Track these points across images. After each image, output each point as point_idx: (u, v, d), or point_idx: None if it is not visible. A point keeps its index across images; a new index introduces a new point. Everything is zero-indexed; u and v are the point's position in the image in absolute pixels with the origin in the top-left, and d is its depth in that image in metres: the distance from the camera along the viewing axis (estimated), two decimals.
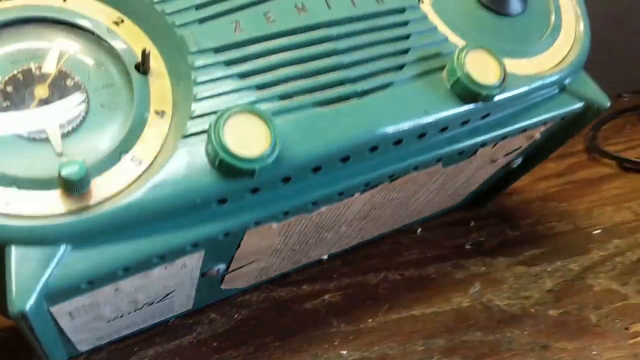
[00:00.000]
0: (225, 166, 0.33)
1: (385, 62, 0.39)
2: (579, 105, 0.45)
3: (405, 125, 0.38)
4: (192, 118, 0.34)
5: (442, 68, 0.40)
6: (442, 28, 0.43)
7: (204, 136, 0.34)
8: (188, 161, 0.33)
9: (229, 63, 0.36)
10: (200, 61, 0.36)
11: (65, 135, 0.33)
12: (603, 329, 0.43)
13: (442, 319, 0.47)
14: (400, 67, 0.40)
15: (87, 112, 0.34)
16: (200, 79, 0.35)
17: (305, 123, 0.36)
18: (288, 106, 0.36)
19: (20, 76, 0.34)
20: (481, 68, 0.39)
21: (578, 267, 0.51)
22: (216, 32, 0.36)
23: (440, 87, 0.40)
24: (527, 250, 0.53)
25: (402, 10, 0.41)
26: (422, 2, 0.43)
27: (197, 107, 0.34)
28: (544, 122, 0.46)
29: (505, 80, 0.40)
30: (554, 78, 0.44)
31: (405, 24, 0.41)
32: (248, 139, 0.33)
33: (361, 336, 0.46)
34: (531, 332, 0.44)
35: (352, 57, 0.38)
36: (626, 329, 0.43)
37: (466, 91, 0.39)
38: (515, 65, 0.43)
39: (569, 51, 0.46)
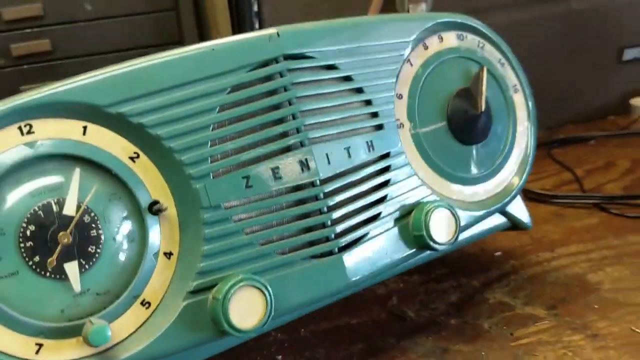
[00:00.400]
0: (226, 332, 0.38)
1: (364, 214, 0.44)
2: (509, 225, 0.54)
3: (373, 269, 0.44)
4: (199, 273, 0.39)
5: (410, 212, 0.46)
6: (417, 162, 0.48)
7: (207, 293, 0.38)
8: (192, 319, 0.38)
9: (238, 220, 0.40)
10: (210, 217, 0.39)
11: (82, 272, 0.37)
12: (492, 335, 0.50)
13: (363, 328, 0.53)
14: (377, 216, 0.45)
15: (102, 247, 0.38)
16: (209, 234, 0.39)
17: (295, 277, 0.41)
18: (283, 260, 0.41)
19: (41, 213, 0.36)
20: (441, 227, 0.45)
21: (478, 283, 0.59)
22: (228, 187, 0.40)
23: (405, 234, 0.46)
24: (438, 269, 0.61)
25: (387, 155, 0.46)
26: (402, 127, 0.48)
27: (205, 264, 0.39)
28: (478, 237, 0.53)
29: (457, 236, 0.46)
30: (497, 206, 0.52)
31: (387, 169, 0.46)
32: (248, 310, 0.38)
33: (295, 343, 0.52)
34: (435, 338, 0.51)
35: (337, 214, 0.43)
36: (511, 334, 0.49)
37: (425, 244, 0.46)
38: (470, 193, 0.51)
39: (511, 179, 0.53)
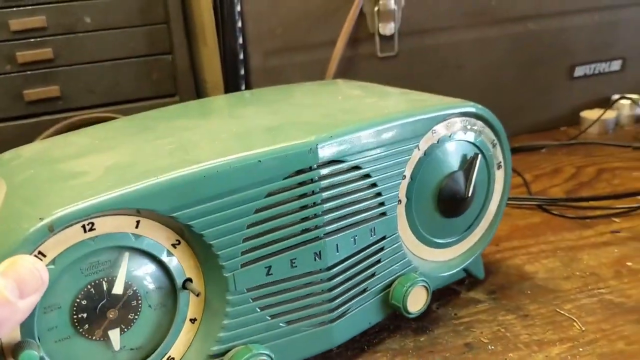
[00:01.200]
0: None
1: (355, 290, 0.49)
2: (464, 275, 0.60)
3: (355, 332, 0.51)
4: (217, 341, 0.44)
5: (391, 284, 0.52)
6: (405, 232, 0.53)
7: (223, 357, 0.44)
8: None
9: (255, 299, 0.44)
10: (233, 298, 0.43)
11: (121, 334, 0.41)
12: (439, 314, 0.56)
13: None
14: (364, 290, 0.50)
15: (140, 314, 0.42)
16: (230, 312, 0.44)
17: (295, 342, 0.47)
18: (288, 330, 0.46)
19: (92, 290, 0.40)
20: (416, 300, 0.52)
21: None
22: (251, 275, 0.44)
23: (384, 302, 0.52)
24: None
25: (384, 238, 0.50)
26: (400, 202, 0.52)
27: (224, 335, 0.44)
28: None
29: (427, 306, 0.53)
30: (463, 265, 0.58)
31: (381, 249, 0.50)
32: None
33: None
34: (389, 317, 0.54)
35: (335, 292, 0.48)
36: (455, 314, 0.55)
37: (400, 312, 0.52)
38: (442, 254, 0.57)
39: (475, 243, 0.59)
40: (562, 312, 0.56)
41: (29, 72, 0.83)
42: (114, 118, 0.83)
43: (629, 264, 0.63)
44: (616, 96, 1.05)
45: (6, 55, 0.82)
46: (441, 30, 0.94)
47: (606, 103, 1.05)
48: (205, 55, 0.88)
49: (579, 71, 1.04)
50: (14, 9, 0.81)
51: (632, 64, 1.07)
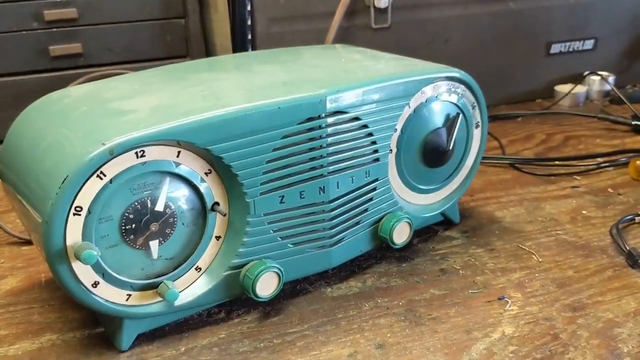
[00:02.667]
0: (249, 295, 0.53)
1: (351, 222, 0.58)
2: (441, 219, 0.69)
3: (348, 257, 0.60)
4: (238, 255, 0.53)
5: (381, 219, 0.61)
6: (394, 178, 0.62)
7: (241, 269, 0.53)
8: (228, 285, 0.53)
9: (270, 222, 0.53)
10: (252, 220, 0.52)
11: (159, 245, 0.50)
12: (419, 247, 0.64)
13: None
14: (358, 222, 0.59)
15: (175, 229, 0.50)
16: (249, 231, 0.52)
17: (299, 261, 0.56)
18: (295, 250, 0.55)
19: (139, 206, 0.48)
20: (401, 234, 0.61)
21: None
22: (268, 202, 0.53)
23: (374, 234, 0.61)
24: None
25: (376, 180, 0.59)
26: (391, 152, 0.61)
27: (243, 250, 0.53)
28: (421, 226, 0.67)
29: (410, 240, 0.62)
30: (442, 209, 0.67)
31: (374, 189, 0.59)
32: (267, 285, 0.53)
33: None
34: (378, 248, 0.63)
35: (335, 222, 0.57)
36: (433, 247, 0.62)
37: (387, 243, 0.61)
38: (424, 198, 0.66)
39: (454, 190, 0.68)
40: (523, 247, 0.66)
41: (54, 30, 0.91)
42: None
43: (583, 212, 0.73)
44: (587, 72, 1.14)
45: (34, 13, 0.89)
46: (431, 6, 1.02)
47: (578, 79, 1.15)
48: (216, 21, 0.96)
49: (555, 48, 1.13)
50: None
51: (603, 43, 1.16)
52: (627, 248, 0.62)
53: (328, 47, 0.77)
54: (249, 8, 0.91)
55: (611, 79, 1.14)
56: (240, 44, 0.92)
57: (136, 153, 0.47)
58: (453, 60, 1.05)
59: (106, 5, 0.91)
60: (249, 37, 0.92)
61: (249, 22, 0.91)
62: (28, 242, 0.70)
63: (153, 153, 0.48)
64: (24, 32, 0.89)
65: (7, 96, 0.89)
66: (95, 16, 0.91)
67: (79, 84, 0.88)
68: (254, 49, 0.93)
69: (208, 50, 1.00)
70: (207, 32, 0.99)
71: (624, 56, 1.19)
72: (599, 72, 1.14)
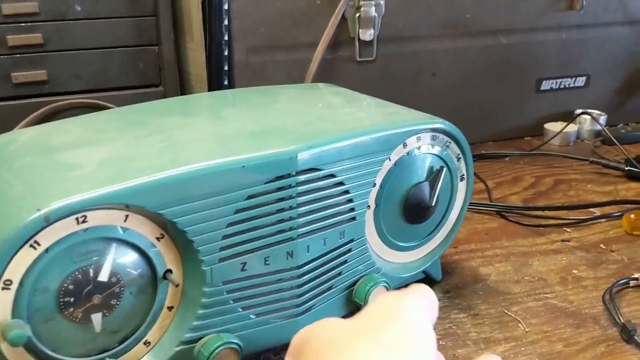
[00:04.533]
0: None
1: (322, 287, 0.53)
2: (423, 276, 0.63)
3: None
4: (191, 329, 0.47)
5: (356, 282, 0.55)
6: (372, 236, 0.57)
7: (195, 344, 0.47)
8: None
9: (229, 292, 0.48)
10: (209, 290, 0.47)
11: (103, 318, 0.44)
12: None
13: None
14: (330, 288, 0.54)
15: (121, 300, 0.45)
16: (205, 302, 0.47)
17: (262, 332, 0.50)
18: (258, 321, 0.49)
19: (80, 276, 0.43)
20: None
21: None
22: (227, 270, 0.47)
23: (348, 299, 0.56)
24: None
25: (352, 240, 0.54)
26: (369, 208, 0.56)
27: (197, 324, 0.47)
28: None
29: None
30: (423, 268, 0.62)
31: (349, 251, 0.54)
32: None
33: None
34: None
35: (304, 288, 0.51)
36: None
37: (362, 308, 0.56)
38: (405, 256, 0.61)
39: (436, 247, 0.63)
40: (509, 313, 0.61)
41: (18, 55, 0.85)
42: (98, 104, 0.85)
43: (574, 271, 0.68)
44: (579, 111, 1.10)
45: None
46: (418, 39, 0.97)
47: (570, 116, 1.10)
48: (191, 49, 0.91)
49: (545, 85, 1.09)
50: None
51: (596, 80, 1.12)
52: (622, 320, 0.57)
53: (308, 88, 0.72)
54: (226, 37, 0.85)
55: (603, 118, 1.10)
56: (216, 74, 0.87)
57: (77, 219, 0.42)
58: (440, 95, 1.01)
59: (74, 30, 0.85)
60: (226, 67, 0.86)
61: (226, 52, 0.86)
62: None
63: (97, 218, 0.43)
64: None
65: None
66: (62, 42, 0.86)
67: (41, 113, 0.83)
68: (231, 79, 0.88)
69: (182, 80, 0.94)
70: (182, 60, 0.94)
71: (617, 94, 1.15)
72: (590, 111, 1.09)
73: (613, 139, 0.99)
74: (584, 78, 1.11)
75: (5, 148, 0.51)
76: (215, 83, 0.87)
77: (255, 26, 0.87)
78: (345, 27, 0.92)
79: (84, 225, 0.42)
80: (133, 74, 0.90)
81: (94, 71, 0.88)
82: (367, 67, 0.95)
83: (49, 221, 0.40)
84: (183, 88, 0.94)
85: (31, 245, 0.40)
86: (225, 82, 0.88)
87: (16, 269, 0.40)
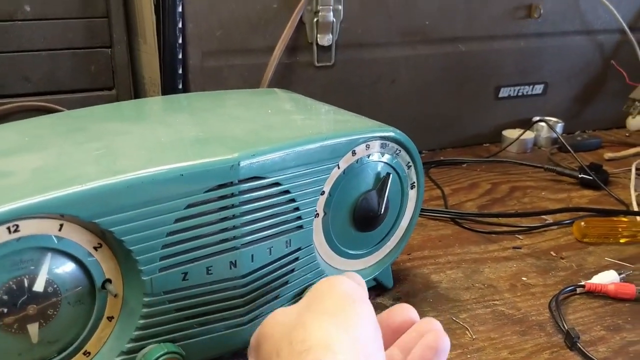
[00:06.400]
0: None
1: (269, 296, 0.53)
2: (374, 284, 0.64)
3: None
4: (132, 339, 0.46)
5: (304, 290, 0.55)
6: (320, 244, 0.57)
7: (136, 353, 0.46)
8: None
9: (171, 301, 0.47)
10: (149, 300, 0.46)
11: (40, 328, 0.43)
12: None
13: None
14: (276, 297, 0.54)
15: (59, 310, 0.44)
16: (146, 312, 0.46)
17: (207, 341, 0.50)
18: (201, 331, 0.49)
19: (14, 286, 0.42)
20: None
21: None
22: (168, 280, 0.46)
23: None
24: None
25: (299, 249, 0.54)
26: (318, 216, 0.56)
27: (138, 334, 0.46)
28: None
29: None
30: (374, 275, 0.63)
31: (296, 259, 0.54)
32: None
33: None
34: None
35: (249, 297, 0.51)
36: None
37: None
38: (355, 264, 0.61)
39: (386, 255, 0.64)
40: (457, 320, 0.61)
41: None
42: (48, 107, 0.84)
43: (524, 278, 0.69)
44: (536, 118, 1.12)
45: None
46: (377, 45, 0.98)
47: (527, 124, 1.12)
48: (144, 52, 0.90)
49: (504, 92, 1.10)
50: None
51: (553, 88, 1.15)
52: (566, 327, 0.58)
53: (260, 93, 0.72)
54: (180, 40, 0.84)
55: (560, 125, 1.12)
56: (170, 78, 0.86)
57: (8, 228, 0.41)
58: (399, 101, 1.01)
59: (23, 31, 0.84)
60: (180, 71, 0.86)
61: (180, 56, 0.85)
62: None
63: (30, 227, 0.42)
64: None
65: None
66: (10, 43, 0.84)
67: None
68: (185, 83, 0.87)
69: (136, 83, 0.93)
70: (136, 63, 0.93)
71: (575, 102, 1.18)
72: (547, 119, 1.11)
73: (568, 146, 1.01)
74: (541, 86, 1.13)
75: None
76: (169, 87, 0.86)
77: (211, 30, 0.87)
78: (303, 32, 0.93)
79: (16, 235, 0.41)
80: (85, 76, 0.89)
81: (44, 73, 0.87)
82: (325, 72, 0.95)
83: None
84: (137, 91, 0.94)
85: None
86: (180, 86, 0.87)
87: None
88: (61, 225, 0.43)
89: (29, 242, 0.42)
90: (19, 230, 0.41)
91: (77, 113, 0.59)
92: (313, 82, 0.95)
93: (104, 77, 0.90)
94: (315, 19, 0.91)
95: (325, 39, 0.93)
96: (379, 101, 1.00)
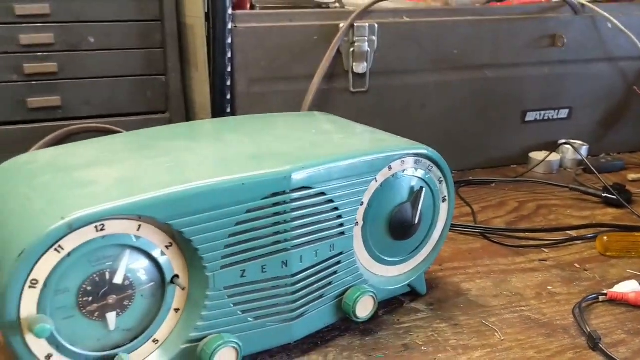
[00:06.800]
0: None
1: (312, 296, 0.58)
2: (408, 290, 0.69)
3: (310, 331, 0.60)
4: (196, 328, 0.52)
5: (345, 292, 0.61)
6: (360, 250, 0.62)
7: (199, 343, 0.52)
8: (186, 358, 0.52)
9: (230, 296, 0.53)
10: (212, 294, 0.52)
11: (117, 317, 0.50)
12: (384, 319, 0.65)
13: None
14: (321, 296, 0.59)
15: (133, 301, 0.50)
16: (208, 305, 0.52)
17: (260, 335, 0.56)
18: (255, 324, 0.55)
19: (97, 279, 0.48)
20: (364, 307, 0.61)
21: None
22: (228, 276, 0.53)
23: (337, 307, 0.61)
24: None
25: (341, 253, 0.60)
26: (357, 224, 0.62)
27: (201, 324, 0.52)
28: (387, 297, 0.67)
29: (374, 314, 0.62)
30: (408, 281, 0.68)
31: (338, 262, 0.60)
32: None
33: None
34: (343, 319, 0.62)
35: (298, 295, 0.57)
36: (397, 320, 0.64)
37: (350, 317, 0.61)
38: (390, 270, 0.67)
39: (420, 263, 0.69)
40: (487, 323, 0.66)
41: (33, 82, 0.92)
42: (109, 129, 0.92)
43: (549, 287, 0.73)
44: (562, 141, 1.17)
45: (14, 66, 0.90)
46: (408, 73, 1.04)
47: (553, 146, 1.17)
48: (196, 79, 0.98)
49: (530, 116, 1.16)
50: (25, 24, 0.89)
51: (578, 112, 1.19)
52: (588, 330, 0.63)
53: (303, 115, 0.79)
54: (229, 69, 0.92)
55: (584, 148, 1.16)
56: (219, 103, 0.93)
57: (96, 227, 0.48)
58: (429, 125, 1.07)
59: (87, 60, 0.92)
60: (228, 96, 0.93)
61: (229, 82, 0.93)
62: None
63: (113, 227, 0.48)
64: (2, 83, 0.90)
65: None
66: (75, 70, 0.93)
67: (55, 137, 0.89)
68: (233, 108, 0.95)
69: (188, 108, 1.01)
70: (188, 89, 1.01)
71: (599, 125, 1.22)
72: (572, 142, 1.16)
73: (592, 168, 1.06)
74: (566, 110, 1.18)
75: (26, 166, 0.57)
76: (218, 111, 0.93)
77: (257, 59, 0.94)
78: (340, 61, 0.99)
79: (102, 233, 0.48)
80: (141, 101, 0.97)
81: (104, 98, 0.95)
82: (360, 97, 1.02)
83: (71, 228, 0.46)
84: (188, 115, 1.01)
85: (56, 249, 0.46)
86: (228, 110, 0.94)
87: (42, 270, 0.46)
88: (139, 226, 0.50)
89: (112, 239, 0.49)
90: (104, 229, 0.48)
91: (143, 133, 0.66)
92: (349, 106, 1.02)
93: (158, 101, 0.97)
94: (351, 49, 0.98)
95: (360, 67, 1.00)
96: (410, 124, 1.06)
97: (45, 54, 0.91)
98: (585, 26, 1.12)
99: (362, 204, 0.62)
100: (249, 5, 0.96)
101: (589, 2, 1.13)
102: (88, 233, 0.47)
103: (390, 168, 0.63)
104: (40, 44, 0.90)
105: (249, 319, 0.56)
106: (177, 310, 0.54)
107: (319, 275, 0.59)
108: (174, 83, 0.97)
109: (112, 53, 0.93)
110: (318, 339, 0.63)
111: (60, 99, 0.93)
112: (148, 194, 0.49)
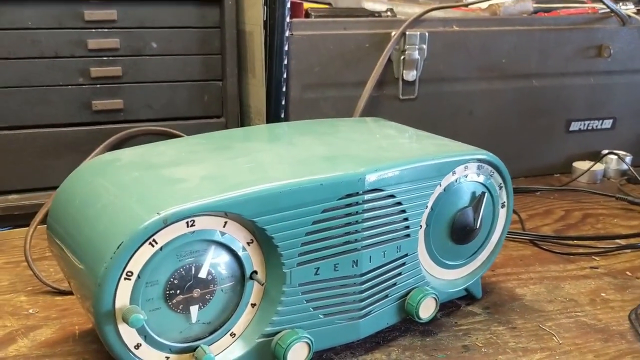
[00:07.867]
0: None
1: (378, 296, 0.60)
2: (464, 293, 0.71)
3: (376, 329, 0.62)
4: (271, 323, 0.54)
5: (408, 293, 0.63)
6: (422, 253, 0.64)
7: (273, 337, 0.55)
8: (260, 351, 0.55)
9: (304, 292, 0.55)
10: (288, 290, 0.55)
11: (198, 310, 0.52)
12: (442, 322, 0.66)
13: None
14: (386, 297, 0.61)
15: (214, 295, 0.53)
16: (284, 300, 0.54)
17: (329, 331, 0.58)
18: (325, 321, 0.57)
19: (183, 272, 0.51)
20: (426, 308, 0.62)
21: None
22: (304, 273, 0.55)
23: (401, 308, 0.63)
24: None
25: (406, 255, 0.62)
26: (421, 227, 0.64)
27: (276, 318, 0.55)
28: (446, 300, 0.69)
29: (435, 315, 0.64)
30: (466, 285, 0.69)
31: (403, 264, 0.62)
32: (298, 355, 0.55)
33: None
34: (404, 320, 0.63)
35: (365, 294, 0.59)
36: (455, 322, 0.66)
37: (412, 318, 0.63)
38: (450, 274, 0.69)
39: (477, 267, 0.71)
40: (544, 327, 0.67)
41: (98, 86, 0.95)
42: (168, 132, 0.95)
43: (602, 294, 0.75)
44: (605, 151, 1.18)
45: (81, 69, 0.94)
46: (456, 80, 1.06)
47: (597, 156, 1.18)
48: (252, 85, 1.01)
49: (574, 126, 1.17)
50: (93, 29, 0.93)
51: (622, 123, 1.20)
52: None
53: (360, 121, 0.81)
54: (284, 75, 0.95)
55: (629, 158, 1.17)
56: (274, 108, 0.96)
57: (187, 222, 0.50)
58: (476, 132, 1.09)
59: (149, 65, 0.96)
60: (283, 102, 0.96)
61: (284, 88, 0.95)
62: (62, 293, 0.73)
63: (202, 223, 0.51)
64: (70, 86, 0.93)
65: (48, 146, 0.93)
66: (138, 75, 0.96)
67: (117, 138, 0.93)
68: (286, 113, 0.97)
69: (242, 112, 1.04)
70: (243, 94, 1.04)
71: None
72: (617, 152, 1.17)
73: (638, 177, 1.06)
74: (610, 120, 1.19)
75: (111, 164, 0.60)
76: (273, 115, 0.96)
77: (310, 66, 0.97)
78: (391, 68, 1.02)
79: (192, 229, 0.50)
80: (198, 105, 1.00)
81: (163, 102, 0.98)
82: (409, 104, 1.04)
83: (166, 223, 0.48)
84: (242, 119, 1.04)
85: (150, 243, 0.49)
86: (282, 115, 0.97)
87: (137, 263, 0.49)
88: (225, 222, 0.52)
89: (200, 235, 0.51)
90: (194, 225, 0.50)
91: (217, 134, 0.69)
92: (398, 113, 1.04)
93: (214, 106, 1.00)
94: (402, 57, 1.00)
95: (410, 75, 1.02)
96: (457, 131, 1.08)
97: (110, 58, 0.94)
98: (631, 37, 1.13)
99: (427, 207, 0.63)
100: (304, 14, 0.99)
101: (635, 13, 1.13)
102: (180, 228, 0.50)
103: (454, 173, 0.65)
104: (106, 49, 0.93)
105: (320, 315, 0.58)
106: (253, 305, 0.56)
107: (385, 275, 0.61)
108: (231, 88, 1.00)
109: (173, 58, 0.97)
110: (380, 339, 0.65)
111: (122, 102, 0.96)
112: (237, 192, 0.51)
